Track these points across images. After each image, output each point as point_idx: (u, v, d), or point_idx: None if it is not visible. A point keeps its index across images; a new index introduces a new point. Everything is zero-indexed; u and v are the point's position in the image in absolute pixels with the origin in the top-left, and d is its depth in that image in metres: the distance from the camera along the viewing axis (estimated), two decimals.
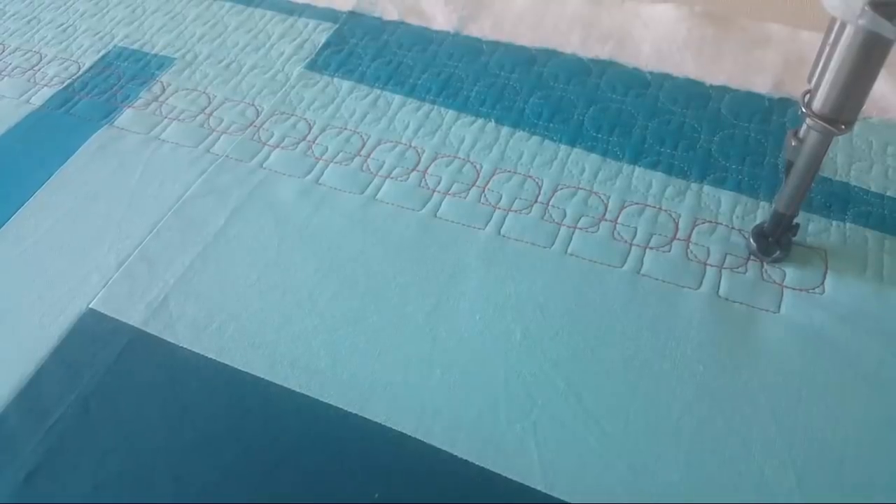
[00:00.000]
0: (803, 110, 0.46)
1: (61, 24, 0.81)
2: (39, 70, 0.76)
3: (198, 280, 0.55)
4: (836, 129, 0.45)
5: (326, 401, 0.48)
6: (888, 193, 0.59)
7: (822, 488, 0.42)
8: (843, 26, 0.41)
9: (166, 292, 0.54)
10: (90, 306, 0.54)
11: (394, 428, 0.46)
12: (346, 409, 0.47)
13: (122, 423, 0.48)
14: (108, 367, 0.50)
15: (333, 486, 0.44)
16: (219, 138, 0.67)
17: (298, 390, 0.48)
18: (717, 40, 0.71)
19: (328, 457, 0.45)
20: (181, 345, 0.51)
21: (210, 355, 0.50)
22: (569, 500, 0.42)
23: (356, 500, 0.43)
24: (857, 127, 0.62)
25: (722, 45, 0.70)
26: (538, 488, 0.43)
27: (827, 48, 0.43)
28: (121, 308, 0.54)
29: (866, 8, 0.38)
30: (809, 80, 0.46)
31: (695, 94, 0.68)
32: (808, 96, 0.46)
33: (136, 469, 0.46)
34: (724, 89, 0.68)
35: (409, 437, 0.46)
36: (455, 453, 0.45)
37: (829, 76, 0.44)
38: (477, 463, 0.44)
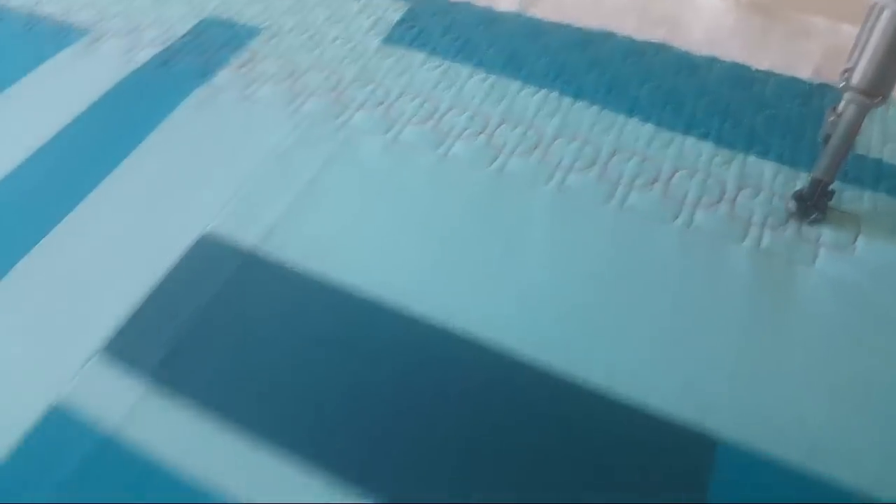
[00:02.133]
0: (843, 85, 0.52)
1: None
2: (139, 33, 0.83)
3: (300, 213, 0.63)
4: (872, 102, 0.52)
5: (410, 313, 0.55)
6: None
7: (851, 415, 0.49)
8: (881, 10, 0.48)
9: (274, 220, 0.62)
10: (206, 231, 0.61)
11: (481, 339, 0.53)
12: (431, 319, 0.54)
13: (238, 326, 0.55)
14: (225, 281, 0.58)
15: (414, 376, 0.51)
16: (306, 100, 0.74)
17: (384, 304, 0.56)
18: (763, 29, 0.77)
19: (409, 350, 0.53)
20: (286, 265, 0.59)
21: (310, 274, 0.58)
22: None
23: (447, 382, 0.50)
24: (891, 110, 0.69)
25: (767, 34, 0.77)
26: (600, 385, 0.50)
27: (866, 31, 0.50)
28: (233, 232, 0.61)
29: None
30: (849, 60, 0.52)
31: (741, 76, 0.74)
32: (846, 74, 0.52)
33: (250, 361, 0.53)
34: (768, 73, 0.74)
35: (491, 347, 0.53)
36: (520, 354, 0.52)
37: (867, 54, 0.50)
38: (530, 360, 0.51)
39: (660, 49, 0.77)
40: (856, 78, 0.52)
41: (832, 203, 0.61)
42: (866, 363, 0.52)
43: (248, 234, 0.62)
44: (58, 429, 0.50)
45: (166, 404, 0.51)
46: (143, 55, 0.80)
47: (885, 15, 0.48)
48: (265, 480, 0.47)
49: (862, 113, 0.53)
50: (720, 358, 0.52)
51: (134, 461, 0.48)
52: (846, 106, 0.54)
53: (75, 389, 0.52)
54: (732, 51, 0.76)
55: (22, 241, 0.62)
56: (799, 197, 0.61)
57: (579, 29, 0.81)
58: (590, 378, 0.51)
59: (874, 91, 0.51)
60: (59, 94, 0.77)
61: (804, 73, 0.73)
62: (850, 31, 0.75)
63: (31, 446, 0.49)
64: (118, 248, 0.61)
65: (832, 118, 0.55)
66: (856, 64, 0.51)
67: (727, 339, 0.53)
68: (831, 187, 0.60)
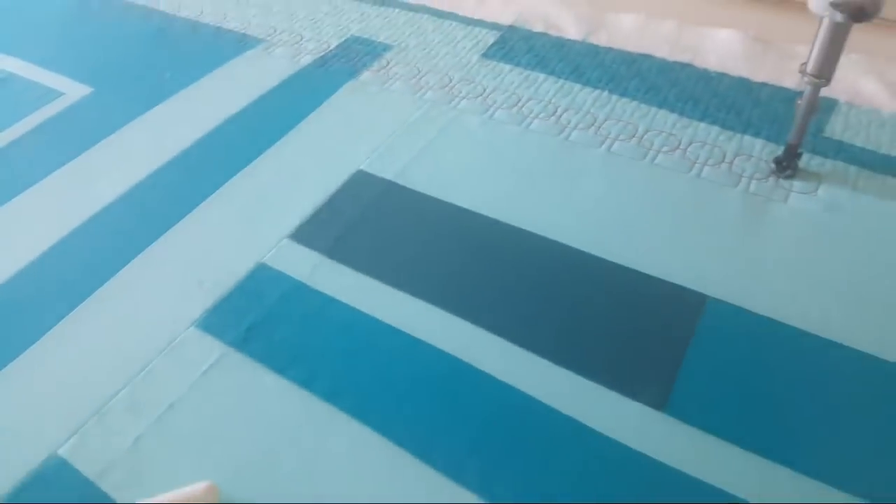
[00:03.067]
0: (800, 72, 0.78)
1: (312, 19, 1.21)
2: (301, 44, 1.15)
3: (425, 159, 0.90)
4: (820, 82, 0.78)
5: (502, 221, 0.81)
6: (866, 147, 0.89)
7: (806, 285, 0.71)
8: (821, 19, 0.74)
9: (406, 163, 0.90)
10: (359, 168, 0.90)
11: (544, 235, 0.79)
12: (515, 225, 0.80)
13: (380, 224, 0.82)
14: (373, 198, 0.85)
15: (506, 260, 0.77)
16: (426, 92, 1.03)
17: (481, 214, 0.82)
18: (762, 54, 1.04)
19: (499, 244, 0.78)
20: (412, 190, 0.86)
21: (428, 195, 0.85)
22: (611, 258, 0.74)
23: (529, 263, 0.76)
24: (850, 110, 0.94)
25: (764, 57, 1.04)
26: (629, 264, 0.75)
27: (816, 35, 0.76)
28: (378, 170, 0.89)
29: (829, 6, 0.71)
30: (808, 57, 0.78)
31: (744, 85, 1.00)
32: (803, 65, 0.78)
33: (388, 246, 0.79)
34: (763, 84, 1.00)
35: (558, 241, 0.78)
36: (596, 253, 0.77)
37: (815, 50, 0.76)
38: (585, 250, 0.76)
39: (685, 67, 1.05)
40: (809, 66, 0.78)
41: (802, 165, 0.86)
42: (818, 256, 0.75)
43: (387, 172, 0.89)
44: (263, 277, 0.77)
45: (335, 267, 0.78)
46: (305, 59, 1.11)
47: (824, 23, 0.74)
48: (397, 309, 0.71)
49: (816, 90, 0.79)
50: (715, 249, 0.76)
51: (314, 298, 0.74)
52: (805, 87, 0.80)
53: (273, 256, 0.79)
54: (739, 68, 1.03)
55: (237, 166, 0.91)
56: (777, 160, 0.86)
57: (627, 52, 1.09)
58: (621, 261, 0.75)
59: (821, 74, 0.77)
60: (242, 83, 1.08)
61: (789, 83, 0.99)
62: None
63: (248, 283, 0.76)
64: (303, 176, 0.90)
65: (799, 101, 0.81)
66: (808, 57, 0.78)
67: (720, 240, 0.78)
68: (800, 150, 0.85)
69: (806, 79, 0.79)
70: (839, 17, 0.71)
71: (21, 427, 0.63)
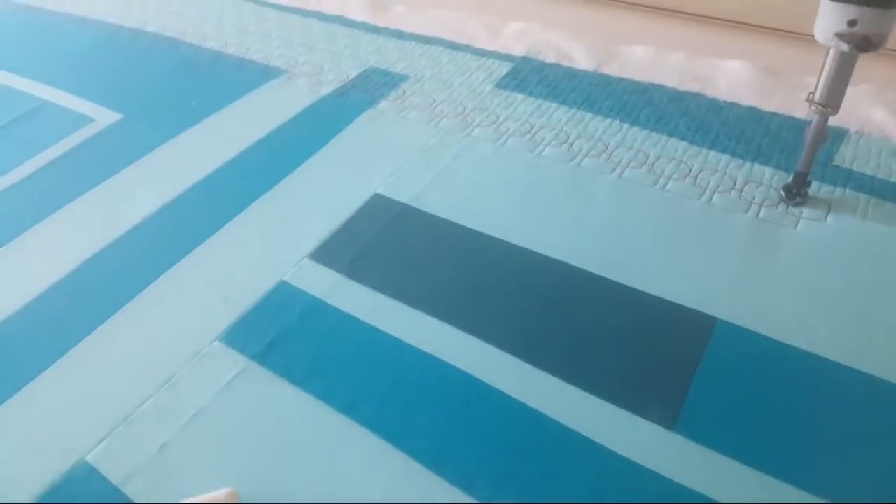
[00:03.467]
0: (808, 101, 0.81)
1: (332, 51, 1.25)
2: (322, 75, 1.19)
3: (440, 184, 0.93)
4: (828, 111, 0.80)
5: (512, 243, 0.83)
6: (876, 175, 0.91)
7: (815, 308, 0.73)
8: (828, 50, 0.77)
9: (421, 188, 0.92)
10: (376, 192, 0.92)
11: (555, 258, 0.81)
12: (525, 246, 0.82)
13: (396, 246, 0.85)
14: (390, 220, 0.88)
15: (515, 278, 0.79)
16: (442, 119, 1.06)
17: (492, 237, 0.84)
18: (771, 85, 1.07)
19: (508, 264, 0.80)
20: (427, 213, 0.89)
21: (442, 219, 0.87)
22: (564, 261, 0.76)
23: (535, 282, 0.78)
24: (860, 139, 0.96)
25: (774, 88, 1.06)
26: (637, 287, 0.77)
27: (823, 65, 0.79)
28: (394, 194, 0.92)
29: (834, 36, 0.73)
30: (815, 87, 0.80)
31: (754, 115, 1.03)
32: (811, 95, 0.81)
33: (403, 266, 0.82)
34: (773, 113, 1.02)
35: (568, 264, 0.80)
36: (607, 276, 0.79)
37: (822, 79, 0.79)
38: (597, 273, 0.78)
39: (695, 96, 1.07)
40: (816, 96, 0.80)
41: (812, 193, 0.88)
42: (826, 280, 0.77)
43: (403, 195, 0.92)
44: (284, 294, 0.80)
45: (352, 286, 0.80)
46: (326, 89, 1.15)
47: (830, 54, 0.77)
48: (412, 326, 0.74)
49: (824, 119, 0.81)
50: (724, 273, 0.78)
51: (332, 314, 0.77)
52: (813, 115, 0.82)
53: (293, 275, 0.82)
54: (749, 98, 1.05)
55: (260, 189, 0.94)
56: (787, 187, 0.88)
57: (638, 82, 1.12)
58: (631, 283, 0.77)
59: (828, 104, 0.79)
60: (265, 111, 1.12)
61: (799, 113, 1.01)
62: None
63: (269, 300, 0.79)
64: (323, 199, 0.93)
65: (808, 129, 0.83)
66: (816, 87, 0.80)
67: (730, 264, 0.79)
68: (809, 178, 0.87)
69: (814, 108, 0.81)
70: (844, 47, 0.73)
71: (52, 433, 0.65)
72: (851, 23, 0.72)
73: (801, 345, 0.70)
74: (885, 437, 0.61)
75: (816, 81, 0.80)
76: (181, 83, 1.21)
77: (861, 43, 0.73)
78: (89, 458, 0.63)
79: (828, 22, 0.74)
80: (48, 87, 1.23)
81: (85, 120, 1.13)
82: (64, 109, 1.16)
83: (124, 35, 1.40)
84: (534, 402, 0.65)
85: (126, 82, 1.23)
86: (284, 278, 0.81)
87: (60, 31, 1.45)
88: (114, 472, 0.61)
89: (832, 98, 0.79)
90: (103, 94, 1.19)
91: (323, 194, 0.93)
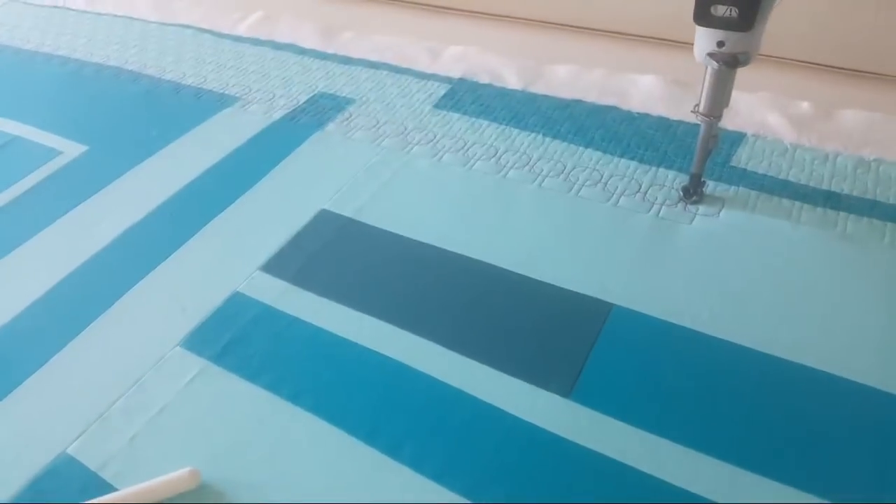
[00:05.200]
0: (694, 112, 0.92)
1: (283, 78, 1.36)
2: (273, 101, 1.29)
3: (380, 198, 1.04)
4: (712, 120, 0.91)
5: (446, 249, 0.94)
6: (767, 173, 1.03)
7: (706, 295, 0.84)
8: (706, 67, 0.88)
9: (364, 202, 1.03)
10: (323, 208, 1.03)
11: (480, 259, 0.92)
12: (458, 251, 0.93)
13: (341, 256, 0.95)
14: (334, 232, 0.98)
15: (447, 280, 0.89)
16: (384, 139, 1.17)
17: (429, 244, 0.94)
18: (679, 96, 1.19)
19: (444, 267, 0.91)
20: (370, 225, 0.99)
21: (384, 230, 0.98)
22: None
23: (464, 282, 0.89)
24: (756, 141, 1.09)
25: (682, 99, 1.18)
26: (545, 280, 0.87)
27: (704, 79, 0.90)
28: (339, 208, 1.02)
29: (706, 56, 0.85)
30: (699, 99, 0.92)
31: (662, 124, 1.15)
32: (696, 106, 0.92)
33: (347, 274, 0.92)
34: (680, 121, 1.14)
35: (492, 264, 0.91)
36: (523, 272, 0.90)
37: (704, 93, 0.91)
38: (514, 270, 0.89)
39: (611, 109, 1.19)
40: (701, 107, 0.92)
41: (709, 192, 1.00)
42: (711, 267, 0.88)
43: (346, 210, 1.02)
44: (238, 303, 0.89)
45: (298, 293, 0.90)
46: (278, 114, 1.25)
47: (708, 70, 0.88)
48: (352, 326, 0.83)
49: (710, 127, 0.93)
50: (623, 265, 0.89)
51: (280, 318, 0.86)
52: (700, 125, 0.93)
53: (246, 286, 0.91)
54: (659, 108, 1.17)
55: (215, 210, 1.04)
56: (684, 188, 1.00)
57: (561, 98, 1.23)
58: (543, 278, 0.87)
59: (710, 113, 0.91)
60: (220, 137, 1.21)
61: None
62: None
63: (224, 309, 0.88)
64: (273, 216, 1.02)
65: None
66: (699, 99, 0.92)
67: (629, 258, 0.90)
68: (704, 179, 0.98)
69: (699, 118, 0.93)
70: (715, 65, 0.85)
71: (36, 431, 0.75)
72: (720, 44, 0.84)
73: (686, 323, 0.81)
74: (752, 394, 0.72)
75: (699, 95, 0.92)
76: (142, 114, 1.31)
77: (730, 60, 0.85)
78: (70, 450, 0.72)
79: (701, 44, 0.86)
80: (16, 122, 1.32)
81: (52, 153, 1.22)
82: (32, 144, 1.25)
83: (88, 70, 1.49)
84: (455, 381, 0.75)
85: (90, 115, 1.33)
86: (238, 289, 0.90)
87: (26, 68, 1.54)
88: (92, 461, 0.70)
89: (714, 108, 0.91)
90: (69, 127, 1.28)
91: (274, 211, 1.03)
